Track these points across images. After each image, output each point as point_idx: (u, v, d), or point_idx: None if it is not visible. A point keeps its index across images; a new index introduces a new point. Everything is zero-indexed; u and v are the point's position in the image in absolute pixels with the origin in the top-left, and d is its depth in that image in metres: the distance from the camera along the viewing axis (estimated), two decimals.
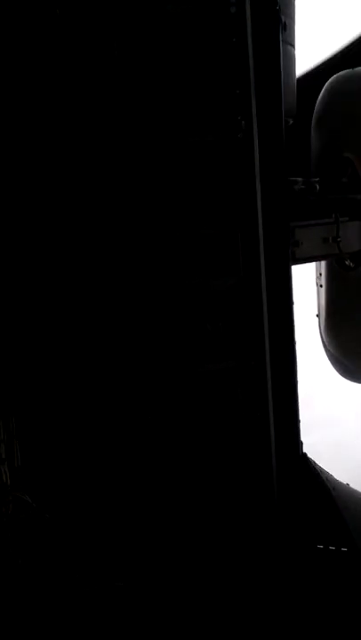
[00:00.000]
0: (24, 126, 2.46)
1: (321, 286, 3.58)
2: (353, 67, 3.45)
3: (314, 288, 3.64)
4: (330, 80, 3.48)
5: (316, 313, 3.66)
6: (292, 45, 3.09)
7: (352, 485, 3.04)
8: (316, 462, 2.90)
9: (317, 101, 3.52)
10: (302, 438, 2.89)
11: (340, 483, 2.96)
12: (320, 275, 3.58)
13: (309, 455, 2.91)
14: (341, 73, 3.51)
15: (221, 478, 2.82)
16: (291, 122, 3.11)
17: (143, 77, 2.52)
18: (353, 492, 3.01)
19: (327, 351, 3.73)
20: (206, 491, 2.81)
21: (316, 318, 3.67)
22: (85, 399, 2.64)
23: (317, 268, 3.60)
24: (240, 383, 2.76)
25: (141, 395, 2.67)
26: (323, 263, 3.52)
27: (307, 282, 3.64)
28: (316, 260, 3.42)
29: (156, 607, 2.74)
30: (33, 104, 2.45)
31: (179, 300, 2.64)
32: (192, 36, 2.59)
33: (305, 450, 2.90)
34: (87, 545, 2.69)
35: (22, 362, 2.61)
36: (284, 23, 2.77)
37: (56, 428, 2.65)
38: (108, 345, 2.62)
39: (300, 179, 3.13)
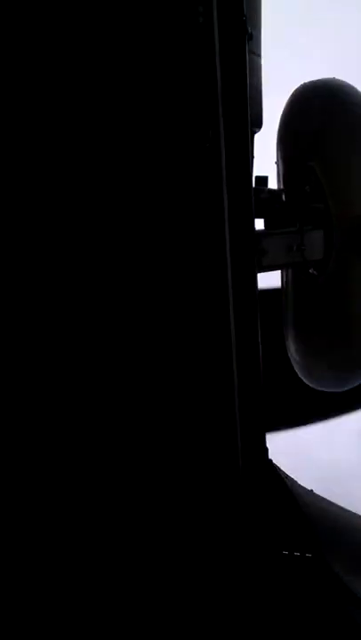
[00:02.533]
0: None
1: (286, 294, 3.63)
2: None
3: (279, 296, 3.69)
4: (295, 89, 3.53)
5: (282, 320, 3.70)
6: (258, 55, 3.13)
7: (316, 492, 3.07)
8: (282, 468, 2.92)
9: (282, 111, 3.57)
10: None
11: (305, 489, 2.99)
12: (285, 283, 3.62)
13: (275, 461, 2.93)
14: (306, 83, 3.56)
15: (187, 483, 2.83)
16: (257, 131, 3.15)
17: (109, 85, 2.52)
18: (317, 498, 3.04)
19: (291, 356, 3.77)
20: (171, 494, 2.81)
21: (282, 325, 3.71)
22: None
23: (282, 276, 3.64)
24: (208, 388, 2.78)
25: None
26: (288, 271, 3.57)
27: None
28: (281, 268, 3.47)
29: (104, 617, 2.74)
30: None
31: (146, 310, 2.65)
32: (160, 44, 2.61)
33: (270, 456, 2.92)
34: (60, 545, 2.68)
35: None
36: (251, 33, 2.80)
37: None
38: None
39: (265, 188, 3.17)
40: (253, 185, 2.90)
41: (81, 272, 2.56)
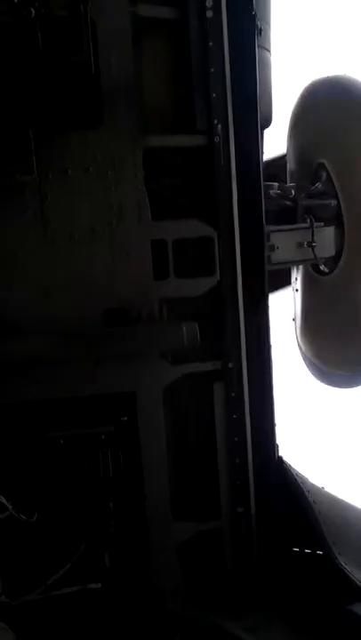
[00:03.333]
0: None
1: (297, 290, 3.61)
2: None
3: (290, 292, 3.67)
4: (305, 86, 3.51)
5: (293, 317, 3.68)
6: (268, 50, 3.11)
7: (327, 489, 3.06)
8: (292, 465, 2.91)
9: (292, 107, 3.55)
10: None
11: (316, 486, 2.97)
12: (296, 279, 3.60)
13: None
14: (316, 79, 3.54)
15: (199, 480, 2.83)
16: (267, 126, 3.13)
17: (128, 77, 2.52)
18: (328, 495, 3.02)
19: (303, 354, 3.75)
20: (184, 490, 2.81)
21: (293, 322, 3.69)
22: None
23: (293, 273, 3.62)
24: (217, 385, 2.78)
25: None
26: (298, 268, 3.55)
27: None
28: (291, 265, 3.44)
29: (128, 611, 2.74)
30: None
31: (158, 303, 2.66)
32: (169, 38, 2.61)
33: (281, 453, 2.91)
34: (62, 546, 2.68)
35: None
36: (260, 28, 2.79)
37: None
38: None
39: (275, 184, 3.15)
40: (263, 181, 2.87)
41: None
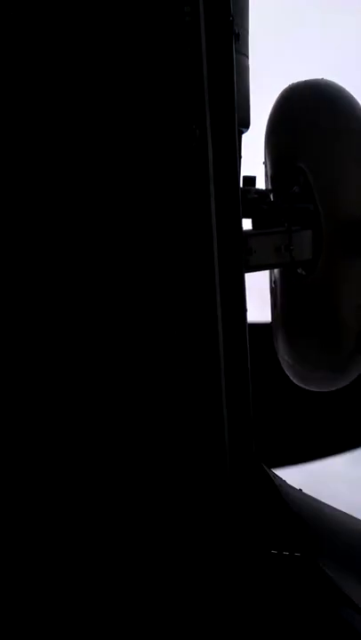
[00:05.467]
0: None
1: (275, 294, 3.63)
2: None
3: (268, 296, 3.69)
4: (283, 90, 3.54)
5: (270, 320, 3.71)
6: (246, 55, 3.14)
7: (305, 491, 3.08)
8: (270, 468, 2.93)
9: (270, 111, 3.57)
10: None
11: (294, 488, 2.99)
12: (274, 283, 3.63)
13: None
14: (295, 83, 3.57)
15: (175, 482, 2.83)
16: (245, 131, 3.15)
17: (98, 83, 2.52)
18: (306, 497, 3.05)
19: (280, 357, 3.78)
20: (159, 494, 2.81)
21: (271, 325, 3.72)
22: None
23: (271, 277, 3.65)
24: (195, 389, 2.78)
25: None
26: (276, 271, 3.57)
27: (261, 290, 3.69)
28: (269, 268, 3.47)
29: (98, 617, 2.73)
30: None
31: (134, 309, 2.65)
32: (147, 43, 2.61)
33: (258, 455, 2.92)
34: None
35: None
36: (238, 33, 2.81)
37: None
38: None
39: (253, 188, 3.18)
40: (241, 185, 2.89)
41: (60, 271, 2.56)
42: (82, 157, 2.55)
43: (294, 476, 3.09)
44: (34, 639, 2.61)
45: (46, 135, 2.50)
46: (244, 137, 3.19)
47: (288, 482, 2.99)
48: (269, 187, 3.48)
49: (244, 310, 2.80)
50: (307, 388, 3.77)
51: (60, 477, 2.67)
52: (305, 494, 3.08)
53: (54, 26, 2.46)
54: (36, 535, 2.66)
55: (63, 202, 2.55)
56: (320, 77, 3.54)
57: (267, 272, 3.65)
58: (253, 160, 3.55)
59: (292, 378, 3.76)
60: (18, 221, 2.55)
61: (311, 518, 2.95)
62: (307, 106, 3.47)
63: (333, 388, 3.71)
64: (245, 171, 3.15)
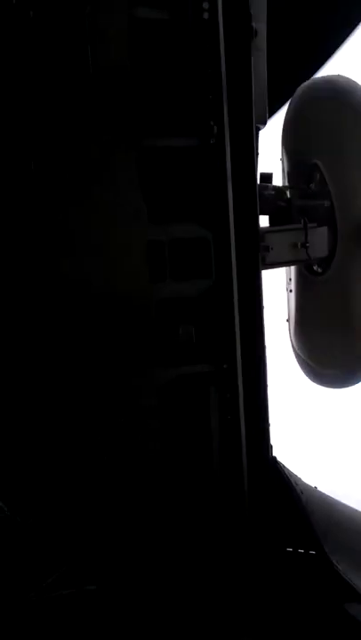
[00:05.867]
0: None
1: (291, 291, 3.62)
2: None
3: (284, 293, 3.68)
4: (300, 87, 3.52)
5: (287, 318, 3.69)
6: (263, 51, 3.12)
7: (320, 488, 3.07)
8: (286, 465, 2.92)
9: (287, 108, 3.56)
10: None
11: (309, 486, 2.98)
12: (290, 280, 3.61)
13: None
14: (311, 80, 3.55)
15: (192, 480, 2.83)
16: (262, 127, 3.14)
17: (120, 81, 2.52)
18: (321, 495, 3.04)
19: (297, 355, 3.77)
20: (177, 493, 2.81)
21: (287, 323, 3.70)
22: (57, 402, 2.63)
23: (287, 274, 3.63)
24: (212, 386, 2.78)
25: (115, 394, 2.67)
26: (292, 268, 3.56)
27: (277, 287, 3.68)
28: (285, 265, 3.45)
29: (126, 612, 2.74)
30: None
31: (152, 305, 2.65)
32: (166, 41, 2.61)
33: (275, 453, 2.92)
34: (59, 547, 2.68)
35: None
36: (255, 30, 2.80)
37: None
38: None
39: (270, 184, 3.16)
40: (258, 182, 2.88)
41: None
42: (99, 153, 2.55)
43: (310, 473, 3.08)
44: (38, 638, 2.63)
45: (69, 127, 2.50)
46: (261, 133, 3.18)
47: (304, 479, 2.99)
48: (286, 183, 3.47)
49: (261, 307, 2.80)
50: (320, 385, 3.76)
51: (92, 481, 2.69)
52: (320, 492, 3.07)
53: (70, 23, 2.46)
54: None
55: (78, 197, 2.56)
56: (337, 74, 3.52)
57: (283, 269, 3.64)
58: (270, 156, 3.54)
59: (305, 375, 3.75)
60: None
61: (327, 516, 2.94)
62: (324, 102, 3.45)
63: (347, 387, 3.70)
64: (262, 167, 3.13)
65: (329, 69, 3.57)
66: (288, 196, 3.22)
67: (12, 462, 2.64)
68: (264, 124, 3.14)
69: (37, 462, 2.65)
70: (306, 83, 3.49)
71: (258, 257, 2.79)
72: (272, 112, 3.27)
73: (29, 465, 2.64)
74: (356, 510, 3.24)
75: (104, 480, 2.70)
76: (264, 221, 3.09)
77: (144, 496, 2.75)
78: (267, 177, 3.21)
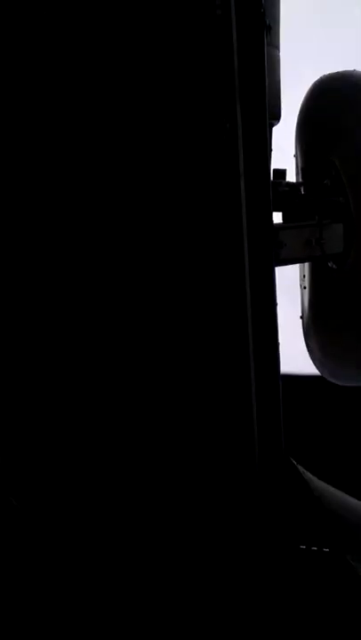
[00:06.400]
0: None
1: (305, 288, 3.61)
2: None
3: (298, 290, 3.67)
4: (315, 81, 3.50)
5: (300, 315, 3.68)
6: (277, 47, 3.12)
7: (334, 487, 3.06)
8: (298, 464, 2.91)
9: (301, 103, 3.54)
10: None
11: (323, 484, 2.97)
12: (304, 276, 3.60)
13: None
14: (326, 75, 3.53)
15: (206, 478, 2.83)
16: (276, 123, 3.13)
17: (131, 78, 2.53)
18: (334, 492, 3.03)
19: (311, 353, 3.75)
20: (190, 490, 2.81)
21: (300, 320, 3.69)
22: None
23: (301, 270, 3.62)
24: (225, 383, 2.78)
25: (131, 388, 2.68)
26: (306, 265, 3.55)
27: (291, 283, 3.67)
28: (299, 262, 3.45)
29: (129, 607, 2.75)
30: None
31: (167, 301, 2.65)
32: (179, 36, 2.60)
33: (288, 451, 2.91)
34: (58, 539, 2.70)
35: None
36: (269, 26, 2.79)
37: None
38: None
39: (283, 181, 3.16)
40: (271, 178, 2.87)
41: (90, 263, 2.57)
42: (116, 150, 2.56)
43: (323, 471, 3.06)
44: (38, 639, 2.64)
45: (81, 127, 2.52)
46: (275, 129, 3.17)
47: (317, 478, 2.98)
48: (300, 180, 3.46)
49: (275, 304, 2.79)
50: (337, 383, 3.74)
51: (98, 471, 2.69)
52: (334, 489, 3.06)
53: (87, 19, 2.47)
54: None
55: (98, 193, 2.56)
56: (353, 69, 3.50)
57: (297, 265, 3.63)
58: (285, 152, 3.53)
59: (321, 372, 3.74)
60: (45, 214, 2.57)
61: (340, 513, 2.93)
62: (339, 98, 3.43)
63: None
64: (276, 163, 3.13)
65: (346, 64, 3.53)
66: (302, 192, 3.21)
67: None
68: (278, 119, 3.14)
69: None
70: (320, 78, 3.48)
71: (271, 253, 2.78)
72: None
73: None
74: None
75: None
76: (278, 218, 3.08)
77: (156, 494, 2.76)
78: (280, 173, 3.20)
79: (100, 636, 2.69)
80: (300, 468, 2.90)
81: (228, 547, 2.87)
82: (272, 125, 3.02)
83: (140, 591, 2.74)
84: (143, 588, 2.75)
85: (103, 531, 2.72)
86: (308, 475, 2.92)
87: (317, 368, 3.74)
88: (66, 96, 2.48)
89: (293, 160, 3.54)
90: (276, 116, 3.04)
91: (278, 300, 2.81)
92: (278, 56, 3.08)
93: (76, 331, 2.64)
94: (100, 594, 2.70)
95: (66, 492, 2.68)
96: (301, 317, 3.70)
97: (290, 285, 3.65)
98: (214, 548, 2.85)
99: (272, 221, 2.79)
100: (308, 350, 3.73)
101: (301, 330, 3.72)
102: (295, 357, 3.67)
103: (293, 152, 3.54)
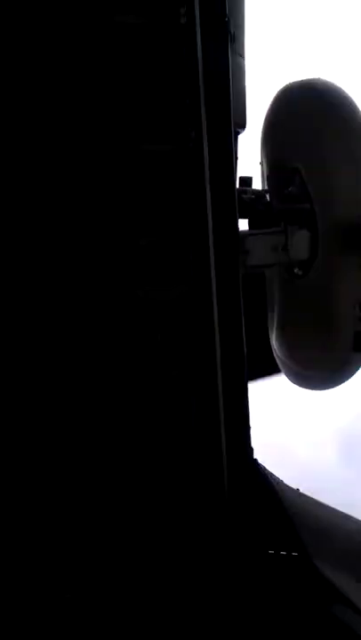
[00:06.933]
0: None
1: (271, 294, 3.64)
2: None
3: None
4: (278, 89, 3.54)
5: (267, 320, 3.71)
6: (242, 56, 3.14)
7: (302, 491, 3.08)
8: (267, 468, 2.93)
9: (266, 110, 3.58)
10: None
11: (291, 488, 2.99)
12: (270, 282, 3.63)
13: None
14: (290, 83, 3.57)
15: (171, 482, 2.83)
16: (241, 131, 3.15)
17: (95, 85, 2.52)
18: (303, 497, 3.05)
19: (278, 357, 3.78)
20: (156, 494, 2.81)
21: (267, 325, 3.72)
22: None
23: (268, 276, 3.65)
24: (192, 390, 2.78)
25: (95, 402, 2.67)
26: (273, 271, 3.58)
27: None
28: (265, 268, 3.48)
29: (100, 617, 2.74)
30: None
31: (128, 311, 2.65)
32: (143, 46, 2.61)
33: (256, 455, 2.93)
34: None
35: None
36: (233, 34, 2.81)
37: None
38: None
39: (249, 188, 3.18)
40: (237, 185, 2.90)
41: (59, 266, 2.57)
42: (78, 157, 2.55)
43: (291, 474, 3.09)
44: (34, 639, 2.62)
45: (44, 135, 2.50)
46: (241, 137, 3.20)
47: (285, 482, 3.00)
48: (266, 187, 3.49)
49: (240, 310, 2.81)
50: (303, 387, 3.78)
51: (58, 477, 2.67)
52: (302, 493, 3.08)
53: (51, 27, 2.46)
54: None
55: (59, 202, 2.55)
56: (316, 77, 3.54)
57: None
58: (250, 160, 3.56)
59: (287, 377, 3.77)
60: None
61: (308, 518, 2.95)
62: (303, 106, 3.47)
63: (330, 388, 3.72)
64: (242, 171, 3.16)
65: (308, 72, 3.57)
66: (268, 199, 3.24)
67: None
68: (243, 127, 3.16)
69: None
70: (284, 85, 3.51)
71: (237, 260, 2.80)
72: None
73: None
74: (340, 512, 3.25)
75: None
76: (244, 225, 3.11)
77: (122, 502, 2.75)
78: (246, 181, 3.23)
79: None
80: (267, 471, 2.91)
81: (197, 552, 2.88)
82: (238, 133, 3.05)
83: (105, 596, 2.74)
84: (107, 591, 2.75)
85: (75, 534, 2.70)
86: (277, 478, 2.94)
87: (284, 372, 3.78)
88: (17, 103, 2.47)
89: (259, 167, 3.57)
90: (241, 124, 3.06)
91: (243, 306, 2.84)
92: (243, 64, 3.11)
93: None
94: (75, 604, 2.69)
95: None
96: (268, 323, 3.73)
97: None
98: (182, 553, 2.85)
99: (238, 228, 2.82)
100: (275, 354, 3.76)
101: (268, 334, 3.75)
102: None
103: (259, 159, 3.57)
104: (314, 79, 3.54)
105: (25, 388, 2.61)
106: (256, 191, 3.25)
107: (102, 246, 2.59)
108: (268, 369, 3.91)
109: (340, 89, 3.48)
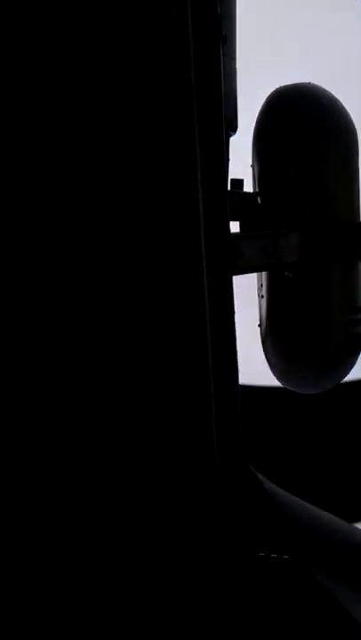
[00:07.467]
0: None
1: (262, 297, 3.64)
2: None
3: (256, 298, 3.70)
4: (271, 92, 3.55)
5: (258, 323, 3.71)
6: (233, 59, 3.15)
7: (293, 494, 3.08)
8: (257, 472, 2.93)
9: (258, 114, 3.59)
10: None
11: (283, 491, 2.99)
12: (261, 285, 3.64)
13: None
14: (282, 86, 3.58)
15: (164, 485, 2.83)
16: (233, 134, 3.16)
17: (84, 84, 2.52)
18: (294, 500, 3.05)
19: (269, 360, 3.78)
20: (148, 497, 2.81)
21: (258, 328, 3.72)
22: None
23: (259, 279, 3.65)
24: (184, 391, 2.78)
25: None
26: (264, 274, 3.58)
27: (249, 293, 3.69)
28: (256, 271, 3.48)
29: (97, 618, 2.72)
30: None
31: (120, 314, 2.64)
32: (135, 47, 2.61)
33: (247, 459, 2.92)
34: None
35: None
36: (225, 36, 2.81)
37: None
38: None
39: (240, 191, 3.19)
40: (229, 188, 2.90)
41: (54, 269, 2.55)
42: (72, 162, 2.55)
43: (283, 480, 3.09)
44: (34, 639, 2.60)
45: (39, 139, 2.49)
46: (232, 140, 3.20)
47: (276, 485, 3.00)
48: (257, 189, 3.49)
49: (232, 312, 2.81)
50: (294, 390, 3.78)
51: (54, 477, 2.66)
52: (292, 496, 3.08)
53: (47, 28, 2.46)
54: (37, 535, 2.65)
55: (55, 204, 2.54)
56: (307, 81, 3.56)
57: (254, 275, 3.66)
58: (241, 163, 3.56)
59: (278, 380, 3.77)
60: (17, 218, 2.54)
61: (299, 521, 2.96)
62: (294, 109, 3.49)
63: (321, 391, 3.73)
64: (233, 174, 3.15)
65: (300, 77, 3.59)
66: (259, 202, 3.24)
67: None
68: (234, 130, 3.17)
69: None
70: (276, 89, 3.52)
71: (229, 263, 2.80)
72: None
73: None
74: (331, 515, 3.26)
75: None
76: (235, 227, 3.11)
77: (115, 506, 2.74)
78: (238, 183, 3.23)
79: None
80: (259, 475, 2.91)
81: (188, 555, 2.87)
82: (229, 136, 3.05)
83: (96, 598, 2.73)
84: (99, 593, 2.74)
85: (64, 534, 2.69)
86: (268, 483, 2.94)
87: (275, 376, 3.78)
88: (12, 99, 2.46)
89: (250, 170, 3.57)
90: (232, 127, 3.07)
91: (236, 309, 2.84)
92: (235, 67, 3.12)
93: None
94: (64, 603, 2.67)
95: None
96: (259, 326, 3.73)
97: (248, 294, 3.68)
98: (173, 555, 2.84)
99: (229, 231, 2.82)
100: (266, 358, 3.76)
101: (259, 338, 3.75)
102: (253, 364, 3.70)
103: (250, 162, 3.57)
104: (304, 83, 3.56)
105: (25, 389, 2.61)
106: (247, 193, 3.25)
107: (96, 247, 2.59)
108: None
109: (328, 93, 3.51)
